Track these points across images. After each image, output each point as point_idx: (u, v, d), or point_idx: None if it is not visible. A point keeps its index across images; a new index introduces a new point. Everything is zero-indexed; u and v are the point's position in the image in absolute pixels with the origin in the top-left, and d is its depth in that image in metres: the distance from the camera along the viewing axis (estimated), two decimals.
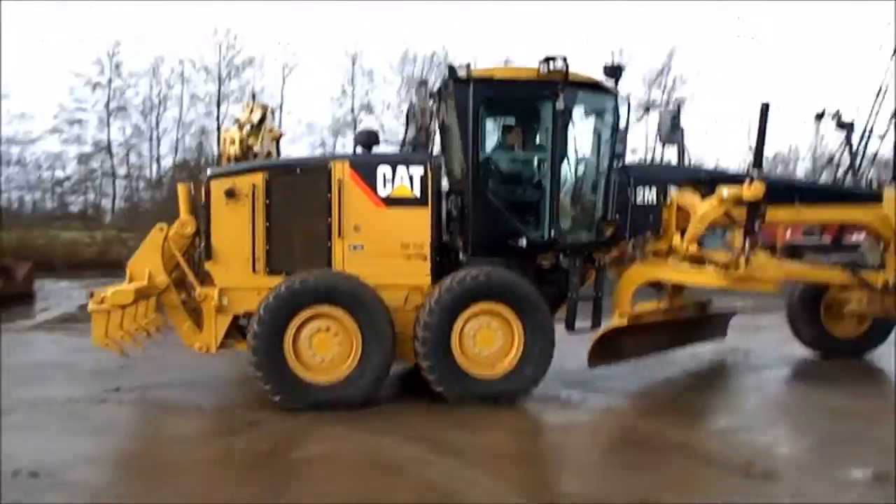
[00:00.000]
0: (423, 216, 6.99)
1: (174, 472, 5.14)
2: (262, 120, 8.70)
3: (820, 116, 8.52)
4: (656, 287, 8.40)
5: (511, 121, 7.63)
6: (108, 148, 34.41)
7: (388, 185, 6.97)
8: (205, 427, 6.18)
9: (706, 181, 7.83)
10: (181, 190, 7.30)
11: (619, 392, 7.40)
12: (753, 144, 7.46)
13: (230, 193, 6.80)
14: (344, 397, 6.42)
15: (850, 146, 9.46)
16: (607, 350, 7.13)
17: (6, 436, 5.67)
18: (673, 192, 7.82)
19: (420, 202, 6.98)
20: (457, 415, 6.39)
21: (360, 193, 6.92)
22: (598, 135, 7.69)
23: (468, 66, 7.11)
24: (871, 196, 8.27)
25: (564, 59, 6.93)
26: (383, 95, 34.71)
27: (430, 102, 7.80)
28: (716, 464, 5.26)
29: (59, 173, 34.75)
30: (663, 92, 34.25)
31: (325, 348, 6.48)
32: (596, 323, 7.44)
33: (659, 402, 7.21)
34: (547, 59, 6.94)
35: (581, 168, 7.72)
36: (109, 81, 33.96)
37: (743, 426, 6.35)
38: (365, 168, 6.96)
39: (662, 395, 7.56)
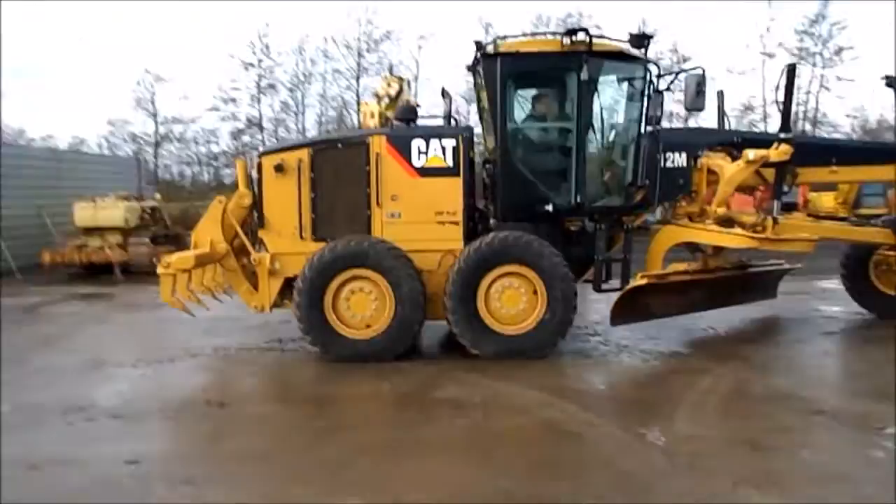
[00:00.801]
0: (456, 185, 7.49)
1: (330, 404, 6.11)
2: (400, 92, 9.20)
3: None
4: (692, 249, 8.59)
5: (539, 92, 7.94)
6: (259, 123, 37.39)
7: (423, 156, 7.49)
8: (356, 370, 6.92)
9: (738, 144, 7.92)
10: (239, 166, 8.10)
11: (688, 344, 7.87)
12: (781, 105, 7.47)
13: (279, 168, 7.52)
14: (377, 351, 7.07)
15: None
16: (631, 309, 7.41)
17: (199, 375, 7.05)
18: (703, 155, 7.95)
19: (452, 172, 7.48)
20: (568, 366, 7.05)
21: (396, 165, 7.48)
22: (626, 101, 7.92)
23: (495, 40, 7.50)
24: None
25: (586, 31, 7.21)
26: None
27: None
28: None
29: (214, 148, 38.73)
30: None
31: (362, 307, 7.14)
32: (625, 283, 7.73)
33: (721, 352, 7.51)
34: (569, 31, 7.24)
35: (610, 134, 7.98)
36: (260, 62, 36.60)
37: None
38: (401, 141, 7.51)
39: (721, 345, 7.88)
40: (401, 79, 9.35)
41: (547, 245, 7.14)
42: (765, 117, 32.47)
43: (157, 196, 18.72)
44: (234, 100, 37.14)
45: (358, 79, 36.25)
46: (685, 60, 32.97)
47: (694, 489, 4.17)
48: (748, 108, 34.71)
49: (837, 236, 8.53)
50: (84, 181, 17.48)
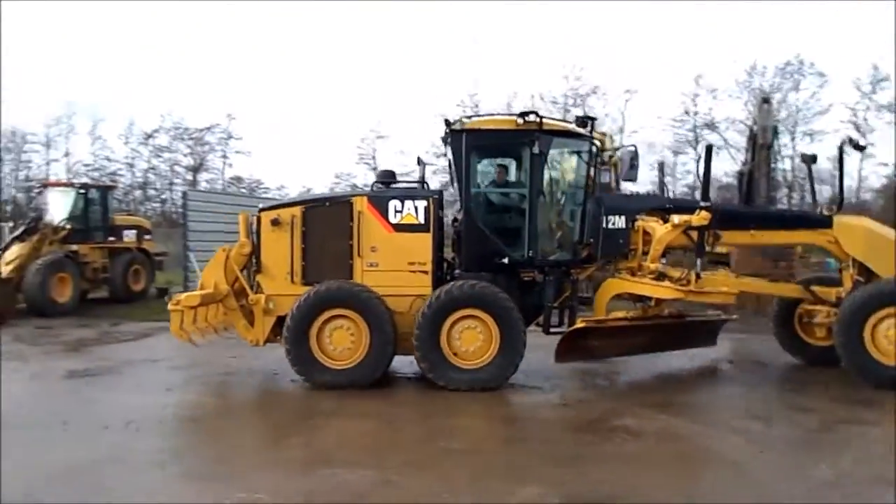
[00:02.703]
0: (426, 239, 8.77)
1: (526, 424, 7.41)
2: (602, 147, 10.08)
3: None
4: (635, 299, 9.80)
5: (497, 162, 9.30)
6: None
7: (398, 214, 8.80)
8: (543, 400, 8.23)
9: (669, 209, 9.22)
10: (241, 219, 9.39)
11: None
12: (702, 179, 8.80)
13: (275, 222, 8.82)
14: (353, 379, 8.25)
15: (811, 176, 10.44)
16: (573, 349, 8.60)
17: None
18: (640, 218, 9.24)
19: (424, 228, 8.77)
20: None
21: (375, 221, 8.78)
22: (574, 171, 9.28)
23: (461, 119, 8.89)
24: (825, 221, 9.33)
25: (537, 113, 8.60)
26: (727, 112, 37.55)
27: None
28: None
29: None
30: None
31: (342, 341, 8.35)
32: (570, 327, 8.95)
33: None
34: (522, 113, 8.62)
35: (560, 199, 9.32)
36: (470, 117, 38.32)
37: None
38: (379, 201, 8.83)
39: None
40: (603, 134, 10.25)
41: (500, 292, 8.38)
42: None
43: None
44: (444, 154, 38.12)
45: None
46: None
47: None
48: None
49: (755, 290, 9.77)
50: None
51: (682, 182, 38.47)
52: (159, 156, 42.94)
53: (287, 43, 59.99)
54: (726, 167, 34.52)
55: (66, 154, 43.10)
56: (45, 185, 20.57)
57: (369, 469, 5.63)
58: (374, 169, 38.66)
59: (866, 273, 9.07)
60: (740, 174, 17.70)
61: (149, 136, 42.29)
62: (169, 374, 9.37)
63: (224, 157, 43.76)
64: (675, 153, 37.64)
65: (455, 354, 8.34)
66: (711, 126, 36.34)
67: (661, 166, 10.14)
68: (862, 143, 9.16)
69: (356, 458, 5.98)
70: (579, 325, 8.51)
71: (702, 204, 8.76)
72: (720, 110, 38.09)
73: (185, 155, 43.15)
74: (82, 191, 17.70)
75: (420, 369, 8.45)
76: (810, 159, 9.39)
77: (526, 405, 8.19)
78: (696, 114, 37.13)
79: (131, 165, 42.70)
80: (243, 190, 42.26)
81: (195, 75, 56.82)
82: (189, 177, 42.85)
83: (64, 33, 59.62)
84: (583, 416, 7.47)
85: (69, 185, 19.05)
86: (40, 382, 9.12)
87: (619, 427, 6.94)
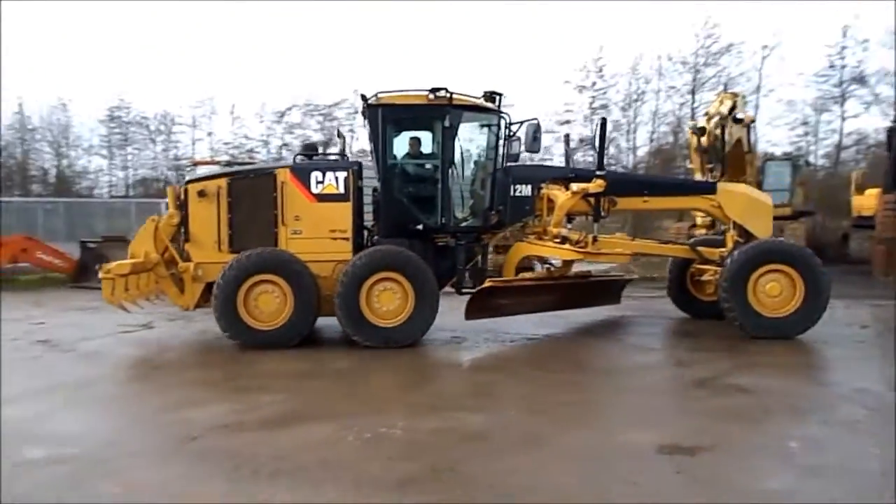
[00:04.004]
0: (347, 208, 9.40)
1: (635, 384, 7.47)
2: (732, 109, 10.02)
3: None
4: (542, 261, 10.68)
5: (411, 135, 9.94)
6: (593, 143, 37.68)
7: (320, 185, 9.39)
8: (657, 359, 8.72)
9: (571, 178, 10.05)
10: (169, 191, 9.83)
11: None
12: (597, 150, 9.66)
13: (202, 193, 9.31)
14: (279, 339, 8.89)
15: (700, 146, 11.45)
16: (483, 308, 9.37)
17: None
18: (545, 186, 10.05)
19: (344, 198, 9.39)
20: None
21: (298, 192, 9.34)
22: (485, 143, 10.00)
23: (376, 94, 9.47)
24: (710, 187, 10.34)
25: (446, 89, 9.24)
26: (882, 63, 33.98)
27: None
28: None
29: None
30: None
31: (267, 304, 8.96)
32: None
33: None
34: (433, 90, 9.25)
35: (471, 169, 10.04)
36: (593, 84, 37.29)
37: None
38: (302, 172, 9.39)
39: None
40: (735, 95, 10.18)
41: (414, 256, 9.09)
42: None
43: None
44: (567, 122, 37.32)
45: (693, 93, 35.43)
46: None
47: None
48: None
49: (648, 252, 10.77)
50: None
51: (826, 142, 36.11)
52: (291, 132, 43.08)
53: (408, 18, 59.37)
54: (877, 123, 32.54)
55: (210, 133, 44.67)
56: (195, 163, 20.89)
57: (491, 413, 6.19)
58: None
59: (745, 235, 10.12)
60: (890, 130, 17.55)
61: (282, 115, 42.75)
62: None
63: (351, 131, 42.61)
64: (819, 111, 35.37)
65: (374, 314, 9.05)
66: (860, 80, 33.51)
67: (567, 138, 10.90)
68: (740, 116, 10.05)
69: (479, 405, 6.49)
70: (486, 284, 9.29)
71: (598, 173, 9.62)
72: (871, 62, 35.12)
73: (314, 131, 42.99)
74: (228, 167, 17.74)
75: (342, 328, 9.12)
76: (699, 131, 10.29)
77: (640, 364, 8.47)
78: (843, 67, 33.93)
79: (266, 143, 43.31)
80: (369, 162, 42.12)
81: (322, 54, 57.57)
82: (320, 150, 41.77)
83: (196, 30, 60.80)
84: (696, 374, 7.67)
85: (215, 162, 19.20)
86: None
87: (732, 385, 7.13)
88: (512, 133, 9.93)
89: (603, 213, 9.84)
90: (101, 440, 5.59)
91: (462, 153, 9.86)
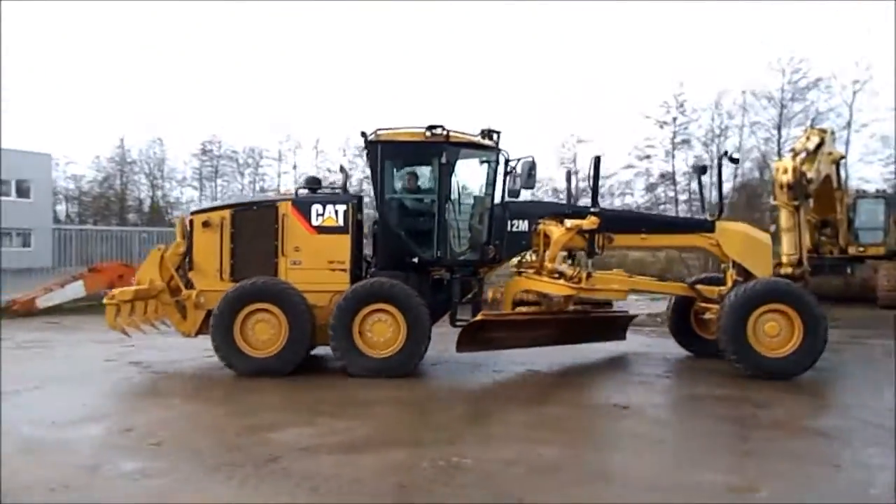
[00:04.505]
0: (345, 240, 9.65)
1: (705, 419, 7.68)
2: (820, 145, 9.64)
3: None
4: (543, 295, 10.72)
5: (409, 170, 10.18)
6: (673, 177, 38.34)
7: (320, 217, 9.68)
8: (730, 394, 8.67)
9: (568, 214, 10.15)
10: (178, 221, 10.24)
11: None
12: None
13: (206, 224, 9.67)
14: (273, 367, 9.10)
15: (700, 185, 11.42)
16: (474, 340, 9.46)
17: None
18: (541, 222, 10.16)
19: (343, 230, 9.65)
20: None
21: (298, 224, 9.64)
22: (482, 179, 10.19)
23: (375, 131, 9.77)
24: (708, 225, 10.33)
25: (443, 127, 9.49)
26: None
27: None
28: None
29: (629, 199, 39.59)
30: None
31: (263, 332, 9.20)
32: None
33: None
34: (430, 127, 9.52)
35: (468, 204, 10.23)
36: (674, 119, 37.82)
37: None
38: (303, 205, 9.70)
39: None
40: (822, 131, 9.91)
41: (407, 288, 9.26)
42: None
43: None
44: (647, 157, 38.32)
45: (779, 129, 35.39)
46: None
47: None
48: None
49: (645, 288, 10.76)
50: None
51: None
52: None
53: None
54: None
55: (294, 167, 47.31)
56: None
57: (561, 445, 6.37)
58: (575, 173, 37.91)
59: (744, 273, 10.06)
60: None
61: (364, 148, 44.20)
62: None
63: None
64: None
65: (366, 344, 9.21)
66: None
67: (569, 175, 10.98)
68: (735, 156, 10.08)
69: (548, 437, 6.62)
70: (479, 317, 9.39)
71: (591, 210, 9.72)
72: None
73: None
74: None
75: (335, 358, 9.29)
76: (700, 170, 10.34)
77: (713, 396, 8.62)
78: None
79: (349, 175, 44.59)
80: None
81: (403, 89, 60.59)
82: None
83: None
84: (771, 415, 7.66)
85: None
86: None
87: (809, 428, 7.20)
88: (511, 169, 10.11)
89: (598, 251, 9.91)
90: (188, 457, 5.93)
91: (459, 188, 10.06)
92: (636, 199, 39.35)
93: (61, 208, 47.14)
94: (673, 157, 38.00)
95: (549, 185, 40.54)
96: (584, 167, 37.80)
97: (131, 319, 9.64)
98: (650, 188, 39.29)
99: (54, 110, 69.11)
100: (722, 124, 37.64)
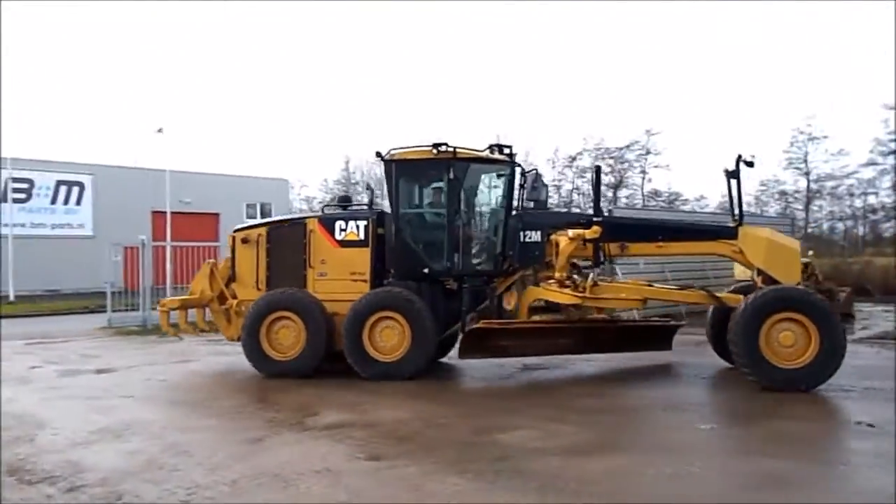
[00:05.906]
0: (366, 253, 10.42)
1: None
2: None
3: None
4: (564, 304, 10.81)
5: (421, 186, 10.73)
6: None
7: (343, 232, 10.53)
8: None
9: (583, 224, 10.20)
10: (230, 239, 11.49)
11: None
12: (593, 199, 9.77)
13: (245, 240, 10.84)
14: (295, 369, 10.01)
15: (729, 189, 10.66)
16: (477, 348, 9.77)
17: None
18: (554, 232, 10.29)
19: (364, 244, 10.44)
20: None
21: (324, 239, 10.55)
22: (495, 191, 10.54)
23: (389, 151, 10.44)
24: (730, 232, 9.91)
25: (447, 144, 9.98)
26: None
27: None
28: None
29: (872, 199, 39.55)
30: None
31: (285, 337, 10.15)
32: None
33: None
34: (436, 145, 10.03)
35: (482, 216, 10.61)
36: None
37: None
38: (328, 221, 10.60)
39: None
40: None
41: (410, 296, 9.83)
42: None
43: (810, 252, 19.06)
44: (894, 152, 36.12)
45: None
46: None
47: None
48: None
49: (660, 298, 10.46)
50: None
51: None
52: (582, 176, 45.31)
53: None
54: None
55: None
56: None
57: (789, 459, 6.20)
58: (807, 174, 37.88)
59: (770, 282, 9.59)
60: None
61: (573, 159, 45.38)
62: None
63: (643, 172, 44.79)
64: None
65: (375, 349, 9.88)
66: None
67: (598, 170, 10.65)
68: (751, 159, 9.58)
69: (777, 451, 6.41)
70: (476, 326, 9.72)
71: (594, 219, 9.75)
72: None
73: (605, 174, 44.07)
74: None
75: (348, 362, 10.04)
76: (748, 165, 9.85)
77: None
78: None
79: (558, 188, 46.07)
80: (661, 203, 43.95)
81: (613, 96, 64.20)
82: (609, 194, 43.86)
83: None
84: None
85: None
86: None
87: None
88: (523, 181, 10.38)
89: (605, 260, 9.89)
90: (427, 452, 6.48)
91: (470, 201, 10.48)
92: (881, 198, 36.42)
93: None
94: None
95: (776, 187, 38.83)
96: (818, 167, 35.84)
97: (186, 324, 11.00)
98: None
99: (288, 140, 76.51)
100: None
